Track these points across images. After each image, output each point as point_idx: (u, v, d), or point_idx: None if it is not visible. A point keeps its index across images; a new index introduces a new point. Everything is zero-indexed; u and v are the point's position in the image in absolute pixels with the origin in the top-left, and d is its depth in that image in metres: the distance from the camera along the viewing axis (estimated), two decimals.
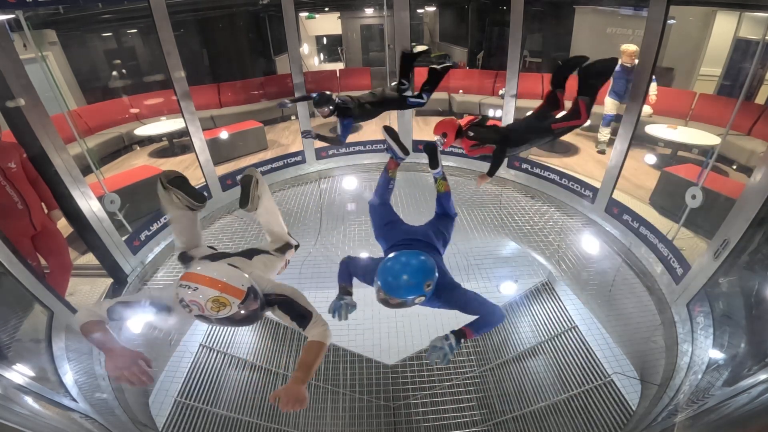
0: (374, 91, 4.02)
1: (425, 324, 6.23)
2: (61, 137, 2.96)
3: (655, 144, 5.56)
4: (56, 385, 2.39)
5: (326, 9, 11.03)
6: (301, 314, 1.71)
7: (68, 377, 2.51)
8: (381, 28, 11.20)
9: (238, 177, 2.36)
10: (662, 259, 3.49)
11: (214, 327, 5.65)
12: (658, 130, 5.35)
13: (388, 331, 6.08)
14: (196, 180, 5.11)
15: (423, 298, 1.80)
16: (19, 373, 2.05)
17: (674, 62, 6.59)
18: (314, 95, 3.67)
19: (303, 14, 10.72)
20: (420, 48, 4.26)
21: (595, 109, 6.80)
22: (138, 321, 2.70)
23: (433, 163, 2.62)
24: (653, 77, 5.38)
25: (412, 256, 1.80)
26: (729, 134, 4.83)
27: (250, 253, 2.20)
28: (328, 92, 3.68)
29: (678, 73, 6.63)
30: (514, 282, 6.12)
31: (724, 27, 6.07)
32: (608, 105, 5.64)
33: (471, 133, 3.35)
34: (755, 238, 2.49)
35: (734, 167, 5.02)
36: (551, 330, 5.47)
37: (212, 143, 5.06)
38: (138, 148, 6.59)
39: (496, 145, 3.34)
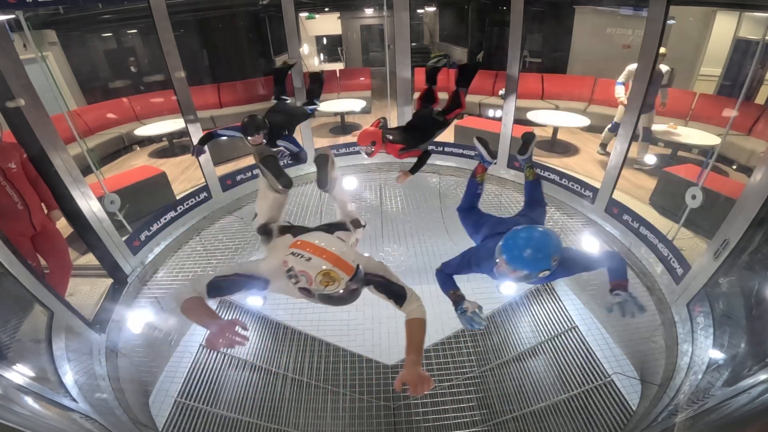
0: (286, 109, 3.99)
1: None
2: (61, 137, 2.96)
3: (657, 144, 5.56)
4: (56, 385, 2.39)
5: (326, 9, 11.04)
6: (398, 294, 1.75)
7: (68, 377, 2.51)
8: (381, 29, 11.21)
9: (314, 158, 2.49)
10: (662, 259, 3.49)
11: None
12: (658, 130, 5.36)
13: (388, 331, 6.07)
14: (196, 180, 5.13)
15: (548, 273, 1.80)
16: (19, 373, 2.05)
17: (674, 62, 6.58)
18: (240, 125, 3.25)
19: (303, 14, 10.72)
20: (289, 62, 4.18)
21: (605, 111, 6.80)
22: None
23: (523, 150, 2.73)
24: (666, 83, 5.15)
25: (540, 231, 1.83)
26: (729, 134, 4.83)
27: (329, 228, 2.17)
28: (258, 116, 3.28)
29: (678, 73, 6.63)
30: (514, 282, 6.12)
31: (724, 27, 6.07)
32: (621, 112, 5.09)
33: (390, 137, 3.31)
34: (755, 238, 2.49)
35: (734, 167, 5.03)
36: (551, 330, 5.47)
37: (212, 143, 5.05)
38: (138, 148, 6.59)
39: (406, 143, 3.35)
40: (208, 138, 3.66)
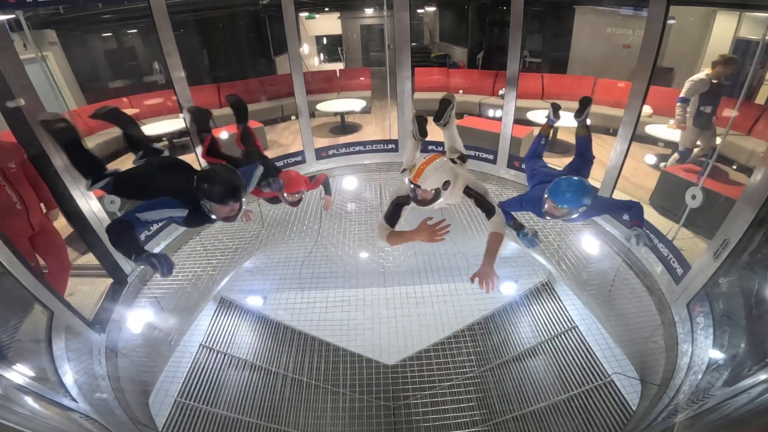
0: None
1: (425, 324, 6.24)
2: None
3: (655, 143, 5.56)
4: (56, 385, 2.39)
5: (326, 9, 11.04)
6: (489, 209, 2.28)
7: (68, 377, 2.51)
8: (381, 29, 11.21)
9: (443, 96, 3.00)
10: (662, 260, 3.49)
11: (215, 323, 5.64)
12: (658, 130, 5.35)
13: (388, 331, 6.08)
14: None
15: (584, 209, 2.38)
16: (19, 373, 2.05)
17: (674, 62, 6.59)
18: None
19: (303, 14, 10.72)
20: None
21: (604, 111, 6.80)
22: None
23: (579, 113, 3.16)
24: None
25: (577, 180, 2.42)
26: (729, 134, 4.83)
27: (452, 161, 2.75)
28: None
29: (678, 73, 6.63)
30: (514, 282, 6.13)
31: (724, 27, 6.07)
32: (687, 138, 4.53)
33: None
34: (755, 238, 2.49)
35: (734, 167, 5.02)
36: (551, 330, 5.47)
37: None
38: None
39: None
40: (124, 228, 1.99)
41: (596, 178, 4.53)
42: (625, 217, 2.80)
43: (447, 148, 3.10)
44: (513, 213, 2.79)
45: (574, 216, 2.43)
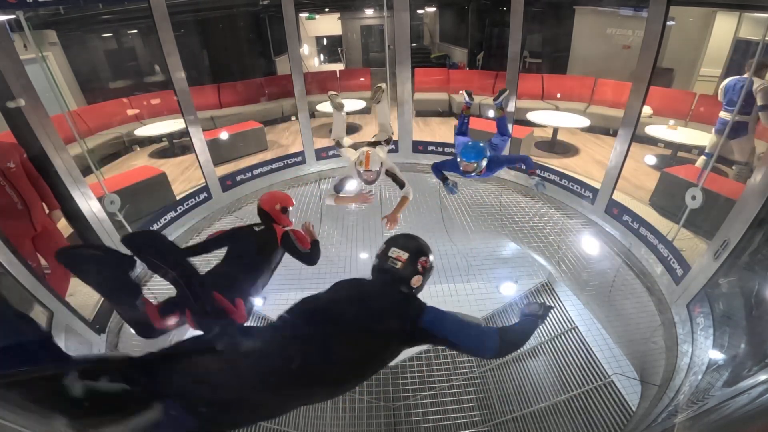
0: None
1: None
2: (61, 137, 2.96)
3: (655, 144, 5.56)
4: None
5: (326, 9, 11.04)
6: (401, 183, 3.34)
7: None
8: (381, 29, 11.22)
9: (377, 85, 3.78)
10: (662, 260, 3.49)
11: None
12: (658, 130, 5.36)
13: None
14: (196, 180, 5.13)
15: (485, 160, 3.29)
16: None
17: (674, 62, 6.59)
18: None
19: (303, 15, 10.72)
20: None
21: (605, 111, 6.79)
22: None
23: (497, 98, 3.93)
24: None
25: (476, 143, 3.40)
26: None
27: (374, 144, 3.61)
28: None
29: (678, 73, 6.64)
30: (514, 282, 6.13)
31: (724, 27, 6.08)
32: (714, 141, 4.30)
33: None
34: (755, 238, 2.49)
35: (734, 167, 5.02)
36: (551, 331, 5.47)
37: (212, 144, 5.06)
38: (138, 148, 6.59)
39: None
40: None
41: (596, 178, 4.55)
42: (523, 167, 3.54)
43: (378, 125, 3.89)
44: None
45: (481, 170, 3.33)
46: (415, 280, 1.56)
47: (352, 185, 3.43)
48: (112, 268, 1.66)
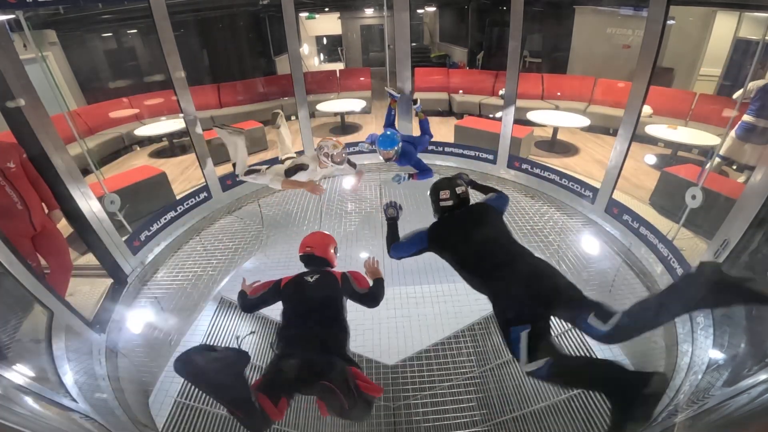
0: None
1: (425, 324, 6.24)
2: (61, 137, 2.96)
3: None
4: (56, 385, 2.38)
5: (326, 9, 11.03)
6: (354, 164, 3.90)
7: (68, 377, 2.51)
8: (381, 29, 11.21)
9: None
10: (662, 260, 3.49)
11: (215, 324, 5.64)
12: (658, 130, 5.36)
13: (388, 331, 6.08)
14: (196, 180, 5.13)
15: (398, 147, 3.79)
16: (19, 373, 2.05)
17: (674, 62, 6.59)
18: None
19: (303, 14, 10.72)
20: None
21: (605, 111, 6.78)
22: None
23: (414, 103, 4.70)
24: None
25: (390, 133, 3.89)
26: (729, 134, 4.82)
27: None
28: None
29: (678, 73, 6.64)
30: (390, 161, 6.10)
31: (724, 27, 6.07)
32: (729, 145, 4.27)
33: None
34: (755, 238, 2.49)
35: (734, 167, 5.02)
36: (551, 330, 5.46)
37: (212, 143, 5.06)
38: (138, 148, 6.59)
39: None
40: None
41: (596, 177, 4.54)
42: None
43: (284, 148, 4.05)
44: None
45: (395, 157, 3.83)
46: (464, 192, 2.40)
47: (303, 177, 3.45)
48: (229, 368, 1.59)
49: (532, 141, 6.03)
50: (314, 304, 2.28)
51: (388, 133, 3.89)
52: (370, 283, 2.54)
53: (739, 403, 1.53)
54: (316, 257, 2.56)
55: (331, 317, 2.24)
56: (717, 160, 4.34)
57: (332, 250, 2.64)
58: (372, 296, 2.39)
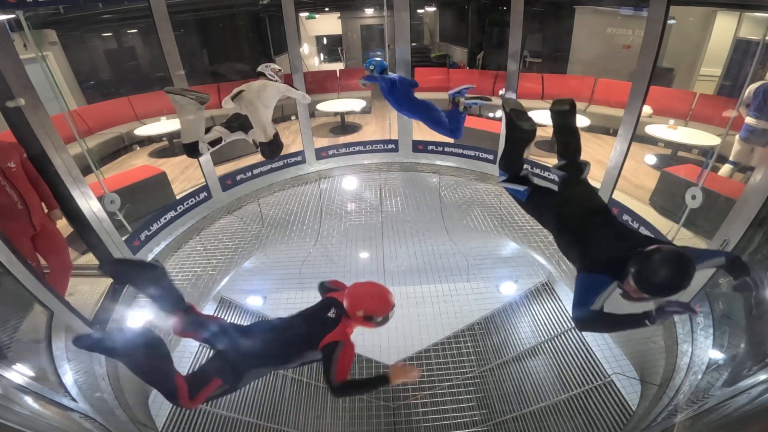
0: None
1: (425, 324, 6.24)
2: (61, 137, 2.96)
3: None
4: (56, 385, 2.39)
5: (326, 9, 11.04)
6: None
7: (68, 377, 2.51)
8: (381, 29, 11.20)
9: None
10: None
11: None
12: (658, 130, 5.36)
13: (388, 331, 6.07)
14: (195, 180, 5.13)
15: (372, 68, 4.11)
16: (19, 373, 2.05)
17: (674, 62, 6.59)
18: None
19: (303, 14, 10.72)
20: None
21: (604, 111, 6.78)
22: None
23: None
24: None
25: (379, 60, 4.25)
26: (729, 134, 4.82)
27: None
28: None
29: (678, 73, 6.63)
30: (514, 282, 6.13)
31: (724, 27, 6.07)
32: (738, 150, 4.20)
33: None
34: (755, 238, 2.49)
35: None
36: (551, 330, 5.47)
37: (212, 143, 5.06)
38: (138, 148, 6.58)
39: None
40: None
41: (596, 177, 4.54)
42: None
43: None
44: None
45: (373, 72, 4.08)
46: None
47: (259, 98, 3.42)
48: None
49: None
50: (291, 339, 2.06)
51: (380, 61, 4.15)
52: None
53: (739, 403, 1.54)
54: (339, 303, 2.13)
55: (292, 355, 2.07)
56: (729, 167, 4.32)
57: (360, 314, 2.05)
58: (336, 387, 1.94)
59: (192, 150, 3.12)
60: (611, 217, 1.88)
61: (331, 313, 2.11)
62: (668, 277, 1.42)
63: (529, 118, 2.21)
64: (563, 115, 2.17)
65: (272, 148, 3.58)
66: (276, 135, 3.56)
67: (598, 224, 1.83)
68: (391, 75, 4.17)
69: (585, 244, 1.78)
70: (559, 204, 2.10)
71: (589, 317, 1.61)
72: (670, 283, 1.42)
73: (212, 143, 3.28)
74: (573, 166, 2.22)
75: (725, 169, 4.39)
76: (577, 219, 1.92)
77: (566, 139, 2.21)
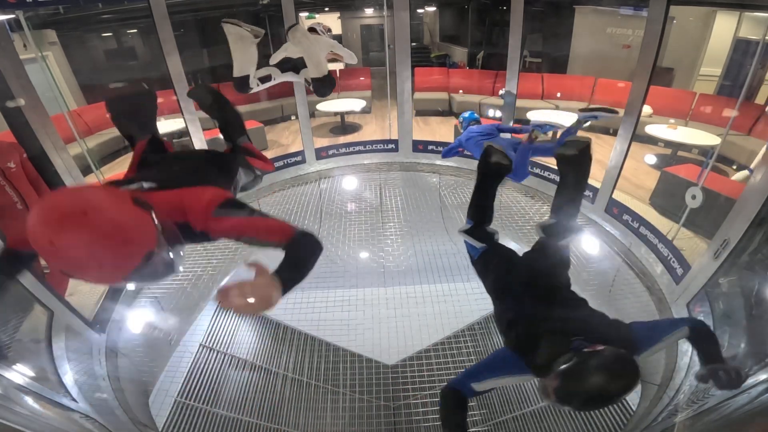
0: None
1: (425, 324, 6.24)
2: (61, 137, 2.96)
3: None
4: (56, 385, 2.39)
5: (326, 9, 11.04)
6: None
7: (68, 377, 2.51)
8: (381, 28, 11.21)
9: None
10: (662, 259, 3.49)
11: (215, 323, 5.63)
12: (658, 130, 5.35)
13: (388, 331, 6.08)
14: None
15: (462, 120, 4.02)
16: (19, 373, 2.05)
17: (674, 62, 6.59)
18: None
19: (303, 14, 10.71)
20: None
21: None
22: None
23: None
24: None
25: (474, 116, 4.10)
26: (729, 134, 4.83)
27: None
28: None
29: (678, 73, 6.63)
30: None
31: (724, 27, 6.07)
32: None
33: None
34: (755, 238, 2.49)
35: (734, 167, 5.02)
36: None
37: (212, 143, 5.06)
38: None
39: None
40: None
41: (596, 177, 4.54)
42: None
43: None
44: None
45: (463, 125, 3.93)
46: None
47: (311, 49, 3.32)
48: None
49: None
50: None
51: (476, 117, 4.00)
52: None
53: (739, 403, 1.54)
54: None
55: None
56: (746, 173, 4.20)
57: None
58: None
59: (242, 84, 3.13)
60: (568, 296, 1.67)
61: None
62: (595, 397, 1.25)
63: (502, 151, 2.00)
64: (571, 161, 1.89)
65: (326, 84, 3.44)
66: (330, 71, 3.47)
67: (544, 298, 1.62)
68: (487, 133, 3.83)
69: (519, 315, 1.58)
70: (508, 268, 1.88)
71: (454, 392, 1.44)
72: (596, 403, 1.29)
73: (262, 80, 3.24)
74: (558, 229, 1.96)
75: (741, 175, 4.28)
76: (522, 286, 1.72)
77: (570, 193, 2.02)
